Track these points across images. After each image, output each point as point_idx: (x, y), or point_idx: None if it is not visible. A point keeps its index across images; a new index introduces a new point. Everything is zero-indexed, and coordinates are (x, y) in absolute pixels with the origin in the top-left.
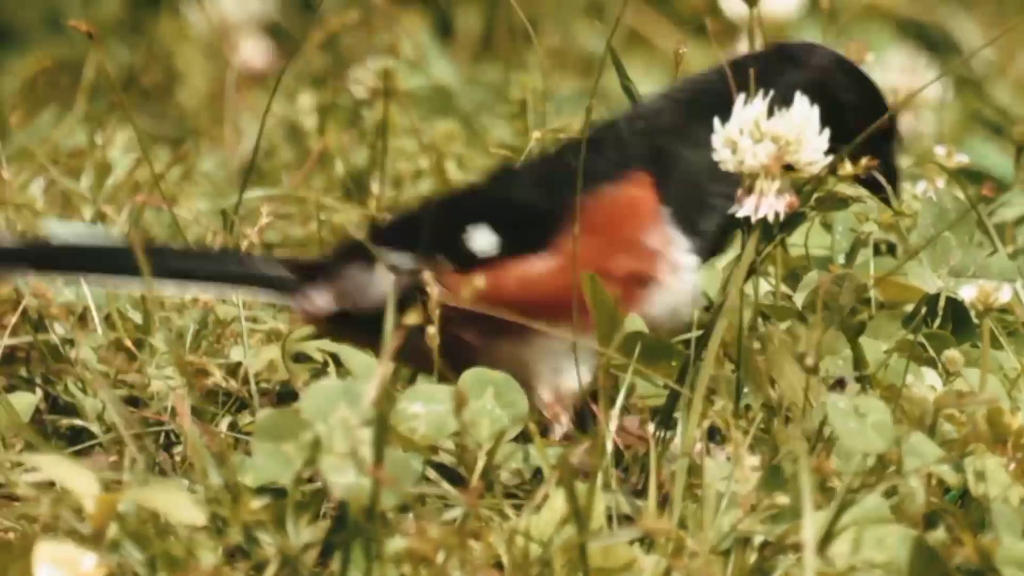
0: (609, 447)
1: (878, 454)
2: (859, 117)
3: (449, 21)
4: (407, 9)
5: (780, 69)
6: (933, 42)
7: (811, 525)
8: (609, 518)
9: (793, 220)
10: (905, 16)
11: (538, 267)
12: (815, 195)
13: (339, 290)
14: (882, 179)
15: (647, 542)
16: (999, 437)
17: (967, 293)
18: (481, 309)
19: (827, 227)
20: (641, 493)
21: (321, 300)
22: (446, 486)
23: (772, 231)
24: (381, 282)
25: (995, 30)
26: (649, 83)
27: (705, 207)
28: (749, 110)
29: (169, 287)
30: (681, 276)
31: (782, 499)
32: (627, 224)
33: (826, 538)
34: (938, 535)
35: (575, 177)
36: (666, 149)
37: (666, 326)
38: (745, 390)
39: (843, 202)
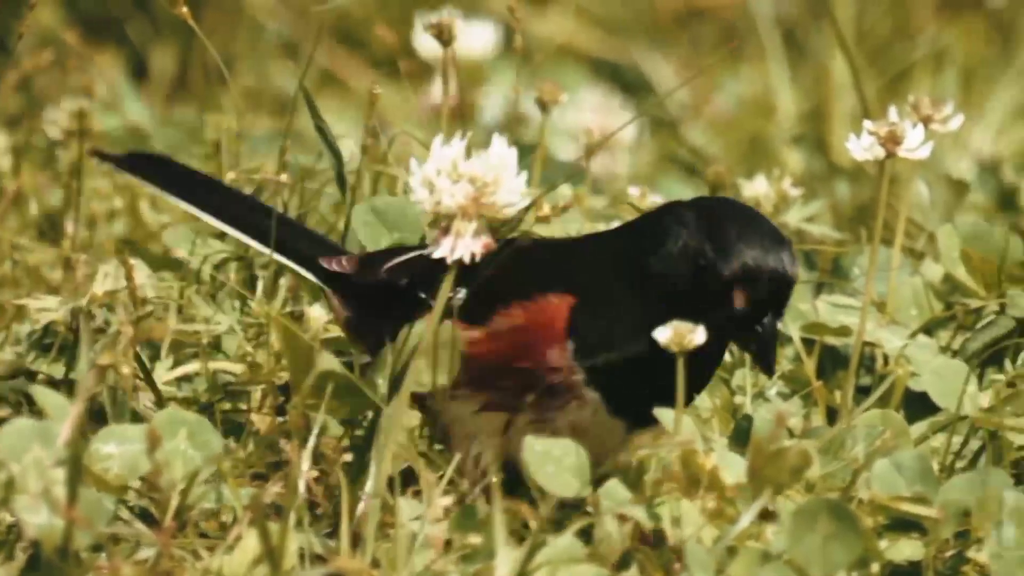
0: (301, 487)
1: (574, 496)
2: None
3: (144, 62)
4: (101, 50)
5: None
6: (627, 83)
7: (504, 564)
8: (302, 557)
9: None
10: (599, 57)
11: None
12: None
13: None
14: (753, 347)
15: None
16: (693, 478)
17: (662, 335)
18: None
19: None
20: (334, 533)
21: (345, 265)
22: (140, 526)
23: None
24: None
25: (689, 71)
26: (344, 123)
27: (609, 350)
28: (447, 150)
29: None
30: (578, 403)
31: (475, 539)
32: (538, 339)
33: None
34: (631, 575)
35: (541, 274)
36: (596, 286)
37: (560, 426)
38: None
39: None
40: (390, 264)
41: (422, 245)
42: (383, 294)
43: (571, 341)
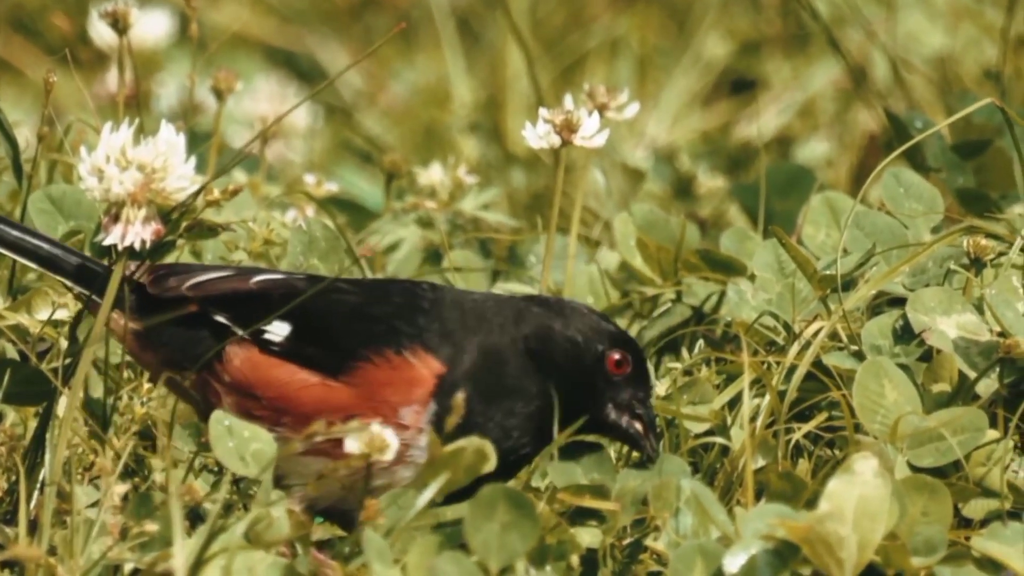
0: None
1: (249, 476)
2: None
3: None
4: None
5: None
6: (303, 71)
7: (181, 552)
8: None
9: (161, 248)
10: (274, 45)
11: (311, 381)
12: (184, 223)
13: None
14: (639, 427)
15: (18, 569)
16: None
17: (351, 444)
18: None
19: (197, 255)
20: (12, 519)
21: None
22: None
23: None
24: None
25: (366, 60)
26: (20, 112)
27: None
28: (116, 137)
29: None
30: (407, 460)
31: (151, 527)
32: (397, 395)
33: (197, 565)
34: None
35: (388, 325)
36: (468, 354)
37: (379, 486)
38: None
39: (212, 230)
40: (193, 282)
41: (223, 266)
42: (178, 310)
43: (433, 404)
